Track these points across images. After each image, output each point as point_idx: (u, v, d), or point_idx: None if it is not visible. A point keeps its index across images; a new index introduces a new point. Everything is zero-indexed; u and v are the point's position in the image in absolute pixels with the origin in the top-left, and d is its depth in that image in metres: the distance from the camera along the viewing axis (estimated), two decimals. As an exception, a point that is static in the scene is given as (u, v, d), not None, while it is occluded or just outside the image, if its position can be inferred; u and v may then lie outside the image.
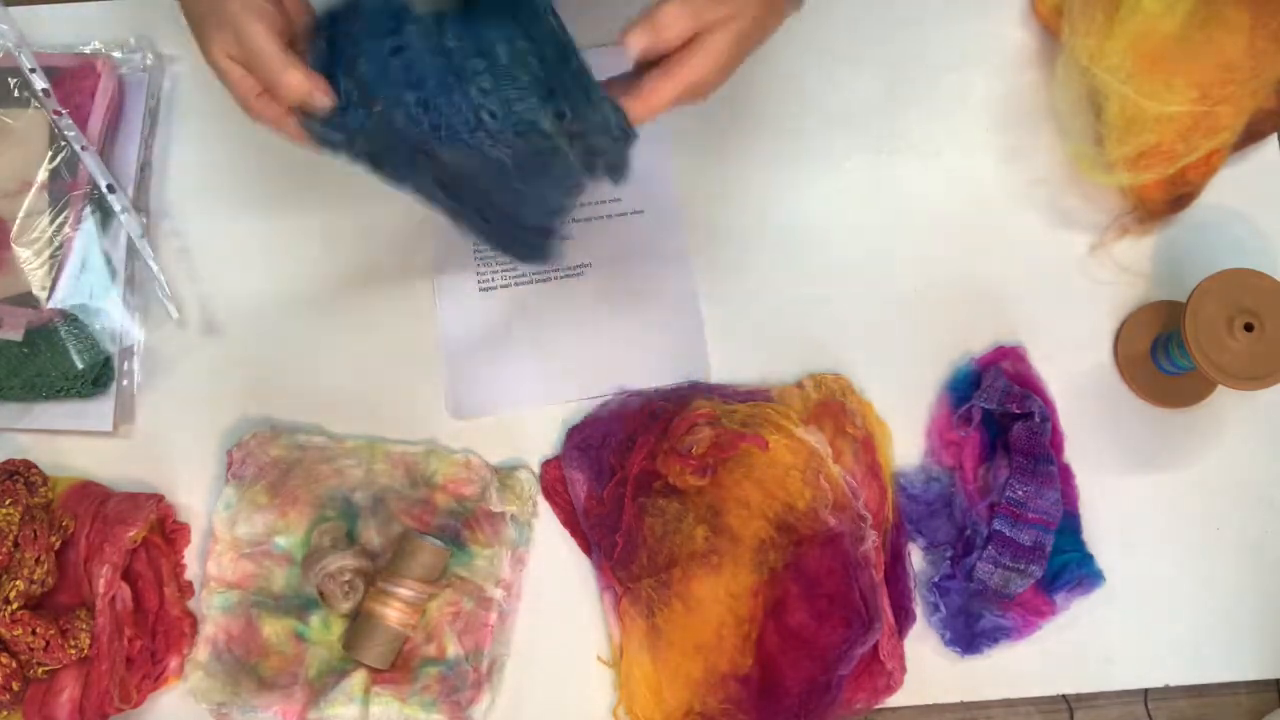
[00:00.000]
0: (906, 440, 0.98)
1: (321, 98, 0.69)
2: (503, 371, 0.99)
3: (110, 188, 0.97)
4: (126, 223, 0.97)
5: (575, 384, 0.98)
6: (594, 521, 0.94)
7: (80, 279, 0.96)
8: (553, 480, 0.97)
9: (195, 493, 0.96)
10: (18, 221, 0.96)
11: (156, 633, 0.91)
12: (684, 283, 1.00)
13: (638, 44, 0.70)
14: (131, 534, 0.87)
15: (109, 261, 0.97)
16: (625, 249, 1.02)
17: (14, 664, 0.84)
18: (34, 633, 0.84)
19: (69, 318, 0.95)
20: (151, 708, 0.92)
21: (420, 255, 1.01)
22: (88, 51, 1.01)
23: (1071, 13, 0.97)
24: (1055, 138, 1.03)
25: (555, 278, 1.01)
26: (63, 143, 0.97)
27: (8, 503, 0.86)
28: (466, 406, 0.98)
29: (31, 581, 0.85)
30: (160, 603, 0.91)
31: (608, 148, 0.71)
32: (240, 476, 0.94)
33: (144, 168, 1.01)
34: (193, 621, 0.93)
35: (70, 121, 0.97)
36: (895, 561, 0.94)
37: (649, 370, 0.99)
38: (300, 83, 0.69)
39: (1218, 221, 1.02)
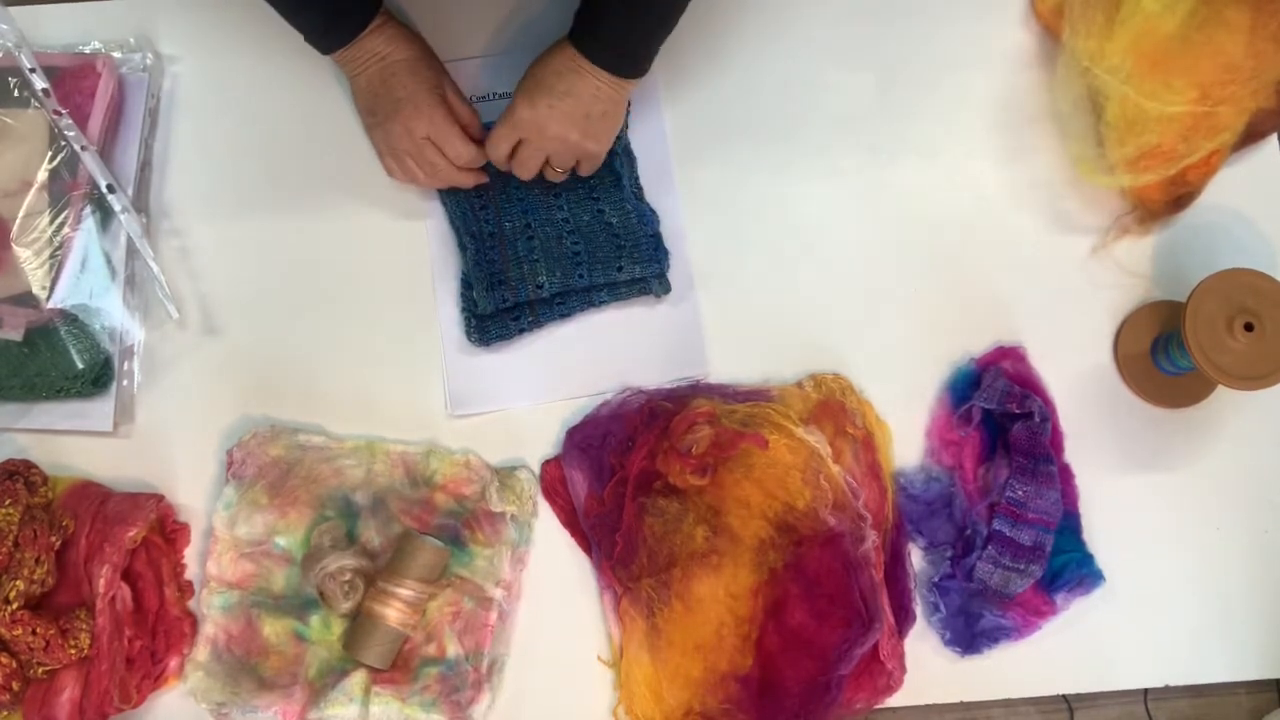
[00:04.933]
0: (906, 440, 0.98)
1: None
2: (502, 366, 0.99)
3: (110, 188, 0.97)
4: (126, 223, 0.97)
5: (575, 381, 0.99)
6: (594, 521, 0.94)
7: (80, 279, 0.96)
8: (553, 480, 0.97)
9: (195, 493, 0.96)
10: (18, 221, 0.96)
11: (156, 633, 0.91)
12: (684, 282, 1.00)
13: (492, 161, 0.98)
14: (131, 534, 0.87)
15: (109, 261, 0.97)
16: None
17: (14, 664, 0.84)
18: (34, 633, 0.84)
19: (69, 318, 0.95)
20: (151, 708, 0.92)
21: (419, 254, 1.01)
22: (88, 51, 1.01)
23: (1072, 14, 0.97)
24: (1055, 138, 1.03)
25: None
26: (63, 143, 0.97)
27: (8, 503, 0.86)
28: (466, 401, 0.98)
29: (31, 581, 0.85)
30: (160, 603, 0.91)
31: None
32: (240, 476, 0.94)
33: (144, 168, 1.01)
34: (193, 621, 0.93)
35: (70, 121, 0.97)
36: (895, 561, 0.94)
37: (649, 369, 0.99)
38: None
39: (1218, 221, 1.02)
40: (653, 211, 1.01)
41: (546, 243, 0.99)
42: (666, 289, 0.99)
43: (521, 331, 0.98)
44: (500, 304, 0.97)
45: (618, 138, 1.01)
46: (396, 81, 0.95)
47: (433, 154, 0.95)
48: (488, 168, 0.99)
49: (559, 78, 0.92)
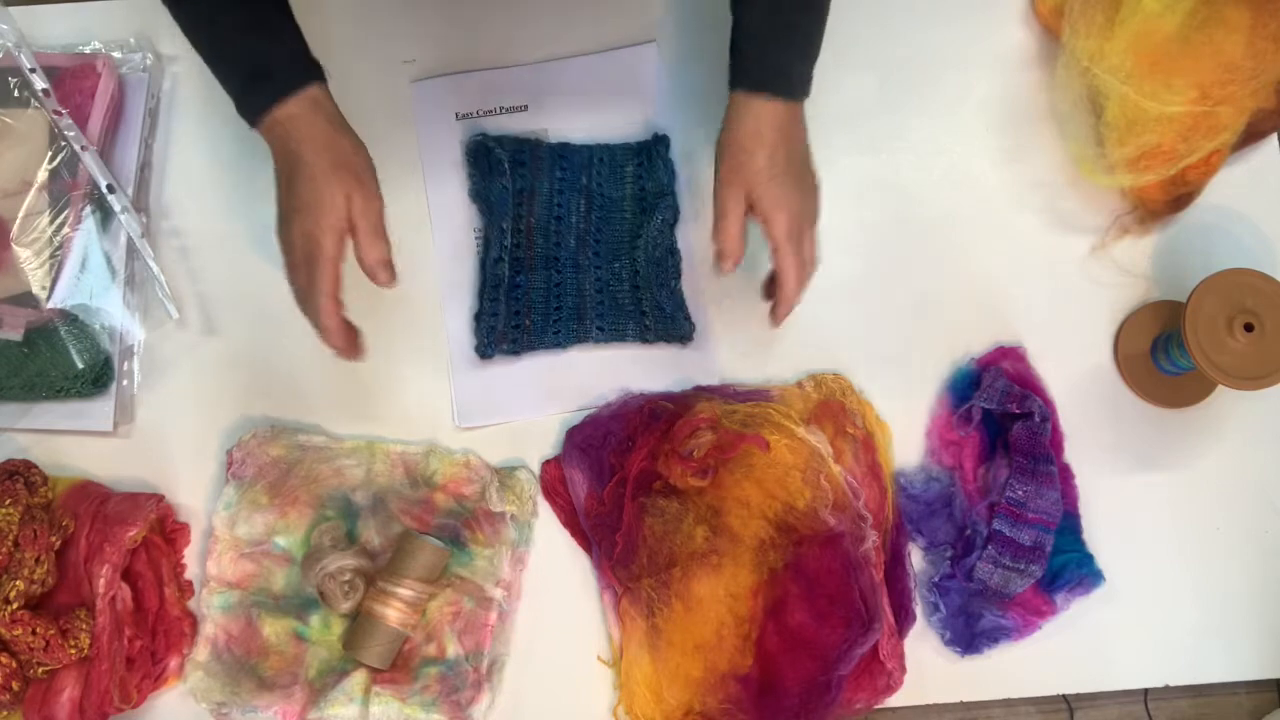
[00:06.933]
0: (906, 440, 0.98)
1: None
2: (511, 379, 0.98)
3: (110, 188, 0.97)
4: (126, 223, 0.97)
5: (585, 393, 0.98)
6: (594, 521, 0.94)
7: (80, 279, 0.96)
8: (553, 480, 0.97)
9: (195, 493, 0.96)
10: (18, 221, 0.96)
11: (156, 633, 0.91)
12: (688, 284, 1.00)
13: (725, 263, 0.87)
14: (131, 534, 0.87)
15: (109, 261, 0.97)
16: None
17: (14, 664, 0.84)
18: (34, 633, 0.84)
19: (69, 318, 0.95)
20: (151, 708, 0.92)
21: (423, 254, 1.01)
22: (88, 51, 1.01)
23: (1072, 14, 0.97)
24: (1055, 138, 1.03)
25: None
26: (63, 143, 0.97)
27: (8, 503, 0.86)
28: (474, 414, 0.98)
29: (31, 581, 0.85)
30: (160, 603, 0.91)
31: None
32: (240, 476, 0.94)
33: (144, 168, 1.01)
34: (193, 621, 0.93)
35: (70, 121, 0.97)
36: (895, 561, 0.94)
37: (661, 380, 0.99)
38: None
39: (1218, 221, 1.02)
40: (678, 270, 1.00)
41: (568, 309, 0.99)
42: (689, 341, 0.99)
43: (532, 349, 0.98)
44: (514, 350, 0.98)
45: (667, 188, 1.00)
46: (299, 181, 0.82)
47: (320, 268, 0.82)
48: (526, 215, 0.99)
49: (789, 148, 0.85)
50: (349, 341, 0.85)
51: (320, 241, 0.81)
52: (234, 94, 0.83)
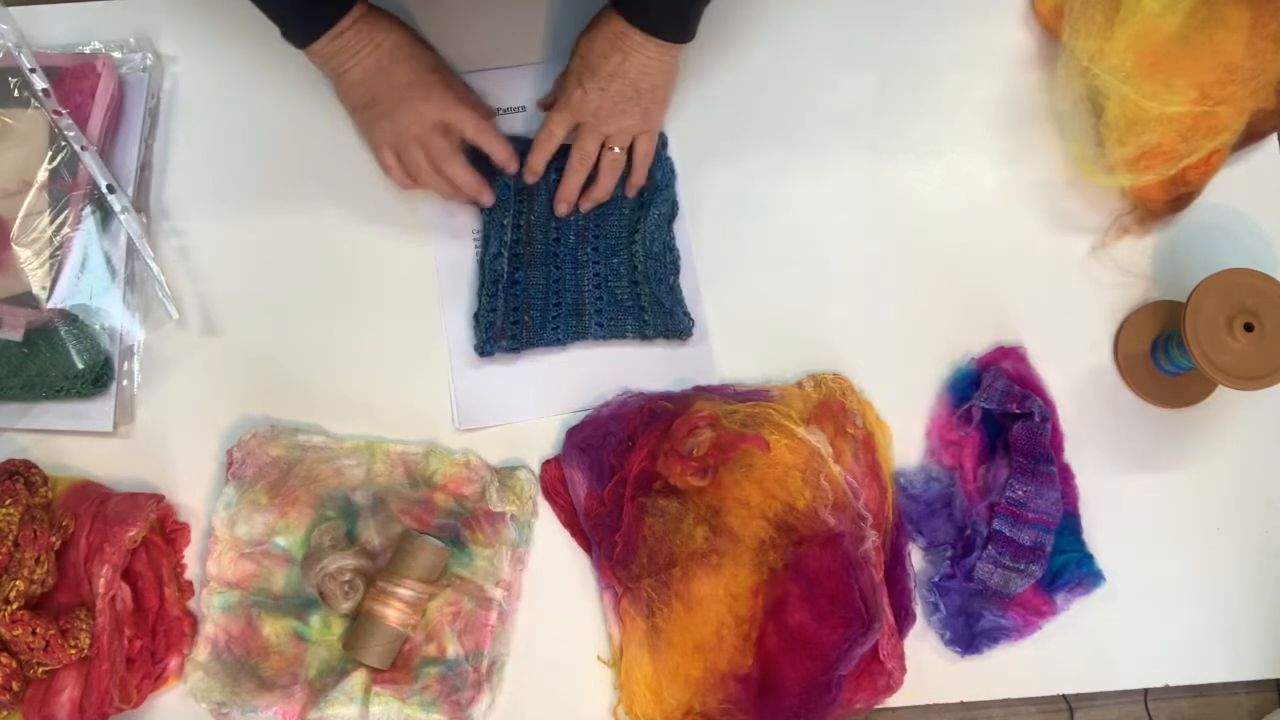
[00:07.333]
0: (906, 440, 0.98)
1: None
2: (511, 380, 0.98)
3: (110, 188, 0.97)
4: (126, 223, 0.97)
5: (584, 394, 0.98)
6: (594, 521, 0.94)
7: (80, 279, 0.96)
8: (553, 480, 0.97)
9: (195, 493, 0.96)
10: (18, 221, 0.96)
11: (156, 633, 0.91)
12: (692, 294, 1.00)
13: (540, 160, 0.98)
14: (131, 534, 0.87)
15: (109, 261, 0.97)
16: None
17: (14, 664, 0.84)
18: (34, 633, 0.84)
19: (69, 318, 0.95)
20: (151, 708, 0.92)
21: (423, 254, 1.01)
22: (88, 51, 1.01)
23: (1072, 14, 0.97)
24: (1055, 138, 1.03)
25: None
26: (63, 143, 0.97)
27: (8, 503, 0.86)
28: (474, 416, 0.98)
29: (31, 581, 0.85)
30: (160, 603, 0.91)
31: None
32: (240, 476, 0.94)
33: (144, 168, 1.01)
34: (193, 621, 0.93)
35: (70, 121, 0.97)
36: (895, 561, 0.94)
37: (659, 380, 0.99)
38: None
39: (1218, 221, 1.03)
40: (676, 266, 1.01)
41: (567, 305, 0.99)
42: (688, 336, 0.99)
43: (532, 346, 0.98)
44: (514, 348, 0.97)
45: (663, 184, 1.01)
46: (397, 68, 0.92)
47: (441, 142, 0.94)
48: (526, 213, 1.00)
49: (605, 59, 0.91)
50: (484, 182, 0.97)
51: (451, 101, 0.93)
52: (289, 20, 0.90)
